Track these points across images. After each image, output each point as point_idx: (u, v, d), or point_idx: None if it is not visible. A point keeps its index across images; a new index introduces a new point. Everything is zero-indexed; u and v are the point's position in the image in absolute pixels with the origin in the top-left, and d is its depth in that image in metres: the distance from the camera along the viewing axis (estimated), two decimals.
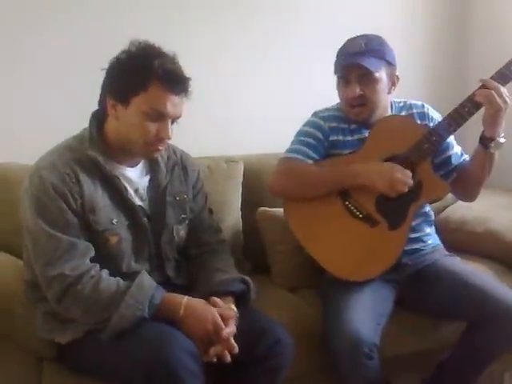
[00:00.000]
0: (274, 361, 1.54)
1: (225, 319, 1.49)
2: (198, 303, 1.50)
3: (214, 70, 2.38)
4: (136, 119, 1.48)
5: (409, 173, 1.77)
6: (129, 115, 1.49)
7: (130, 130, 1.50)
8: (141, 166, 1.62)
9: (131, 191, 1.58)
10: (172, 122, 1.52)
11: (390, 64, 1.84)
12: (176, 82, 1.48)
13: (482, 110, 1.75)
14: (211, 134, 2.40)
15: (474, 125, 1.83)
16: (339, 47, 1.86)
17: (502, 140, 1.77)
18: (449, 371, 1.84)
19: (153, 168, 1.64)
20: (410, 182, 1.76)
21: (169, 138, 1.52)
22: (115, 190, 1.54)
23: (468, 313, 1.75)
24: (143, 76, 1.46)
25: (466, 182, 1.92)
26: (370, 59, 1.79)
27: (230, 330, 1.48)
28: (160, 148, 1.55)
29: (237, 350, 1.47)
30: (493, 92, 1.69)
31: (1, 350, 1.60)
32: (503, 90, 1.70)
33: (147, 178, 1.63)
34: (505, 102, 1.70)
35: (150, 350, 1.35)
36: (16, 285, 1.63)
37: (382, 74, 1.82)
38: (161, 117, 1.49)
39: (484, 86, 1.72)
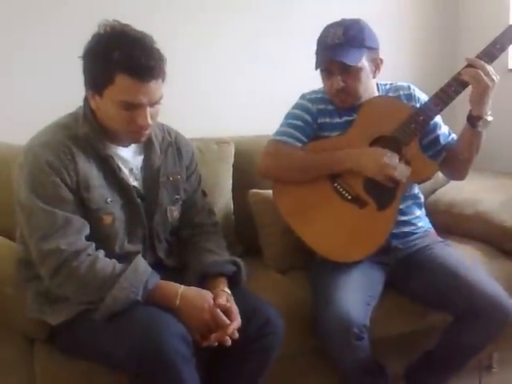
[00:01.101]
0: (264, 341, 1.55)
1: (229, 314, 1.49)
2: (193, 293, 1.50)
3: (206, 54, 2.37)
4: (112, 109, 1.46)
5: (396, 156, 1.78)
6: (105, 105, 1.47)
7: (110, 119, 1.49)
8: (134, 145, 1.61)
9: (125, 171, 1.57)
10: (152, 106, 1.47)
11: (372, 48, 1.82)
12: (142, 70, 1.40)
13: (469, 89, 1.75)
14: (202, 116, 2.39)
15: (463, 104, 1.83)
16: (320, 35, 1.84)
17: (489, 118, 1.77)
18: (433, 361, 1.85)
19: (147, 148, 1.62)
20: (397, 163, 1.76)
21: (148, 125, 1.48)
22: (109, 170, 1.54)
23: (455, 305, 1.76)
24: (106, 70, 1.41)
25: (455, 161, 1.92)
26: (350, 51, 1.77)
27: (235, 325, 1.48)
28: (144, 133, 1.52)
29: (237, 335, 1.48)
30: (479, 71, 1.69)
31: None
32: (489, 68, 1.70)
33: (141, 158, 1.62)
34: (491, 80, 1.70)
35: (141, 334, 1.35)
36: (6, 265, 1.63)
37: (363, 63, 1.80)
38: (135, 106, 1.45)
39: (470, 65, 1.72)
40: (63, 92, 2.05)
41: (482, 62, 1.70)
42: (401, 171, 1.77)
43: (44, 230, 1.44)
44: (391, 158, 1.77)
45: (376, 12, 2.58)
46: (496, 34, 1.73)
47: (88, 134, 1.50)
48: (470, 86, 1.74)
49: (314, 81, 1.90)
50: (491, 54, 1.72)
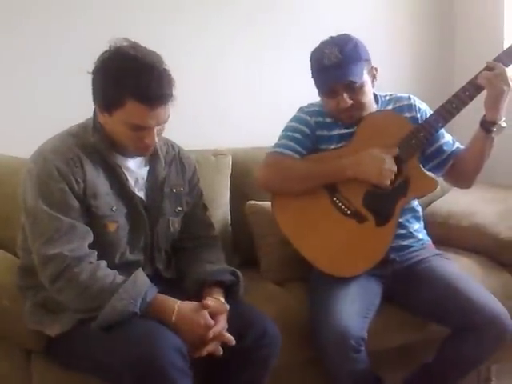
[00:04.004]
0: (261, 352, 1.55)
1: (214, 315, 1.50)
2: (189, 308, 1.50)
3: (202, 64, 2.38)
4: (120, 128, 1.49)
5: (391, 158, 1.78)
6: (114, 123, 1.50)
7: (118, 135, 1.52)
8: (141, 157, 1.63)
9: (131, 181, 1.59)
10: (159, 125, 1.51)
11: (367, 60, 1.82)
12: (152, 98, 1.43)
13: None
14: (199, 128, 2.39)
15: (463, 118, 1.85)
16: (312, 57, 1.82)
17: (503, 124, 1.76)
18: (431, 375, 1.85)
19: (152, 159, 1.65)
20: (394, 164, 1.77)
21: (154, 144, 1.53)
22: (116, 179, 1.56)
23: (453, 320, 1.75)
24: (116, 93, 1.44)
25: (464, 169, 1.91)
26: (352, 68, 1.76)
27: (219, 327, 1.49)
28: (150, 150, 1.56)
29: (233, 341, 1.49)
30: (496, 74, 1.68)
31: None
32: (507, 72, 1.69)
33: (146, 169, 1.64)
34: (507, 84, 1.69)
35: (137, 347, 1.35)
36: (3, 277, 1.63)
37: (365, 77, 1.80)
38: (143, 128, 1.48)
39: (488, 68, 1.71)
40: (68, 105, 2.09)
41: (501, 65, 1.69)
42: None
43: (48, 235, 1.45)
44: (390, 163, 1.77)
45: (371, 23, 2.63)
46: (493, 45, 1.74)
47: (97, 143, 1.53)
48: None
49: (311, 93, 1.90)
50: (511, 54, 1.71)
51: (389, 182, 1.78)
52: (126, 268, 1.51)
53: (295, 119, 1.94)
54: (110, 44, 1.47)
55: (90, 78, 1.49)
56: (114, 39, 1.47)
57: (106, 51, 1.47)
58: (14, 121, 2.14)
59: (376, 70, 1.86)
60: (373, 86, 1.88)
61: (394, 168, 1.79)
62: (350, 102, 1.79)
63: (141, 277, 1.50)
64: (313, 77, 1.83)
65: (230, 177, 2.24)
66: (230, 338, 1.49)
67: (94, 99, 1.51)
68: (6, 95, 2.14)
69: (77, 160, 1.50)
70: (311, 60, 1.84)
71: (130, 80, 1.42)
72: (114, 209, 1.54)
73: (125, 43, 1.47)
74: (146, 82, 1.42)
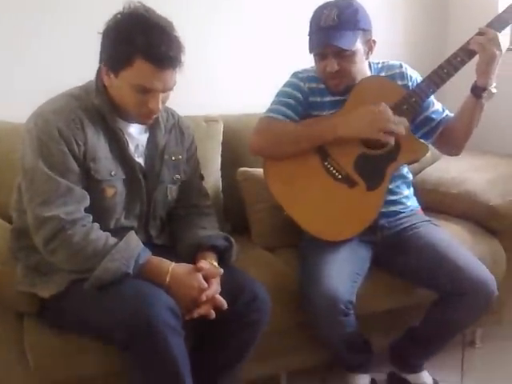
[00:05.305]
0: (252, 316, 1.57)
1: (207, 278, 1.51)
2: (183, 270, 1.52)
3: (196, 31, 2.34)
4: (125, 90, 1.48)
5: (388, 109, 1.76)
6: (119, 85, 1.48)
7: (122, 98, 1.51)
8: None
9: (132, 146, 1.59)
10: (165, 92, 1.50)
11: (366, 30, 1.80)
12: (161, 58, 1.43)
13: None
14: (190, 93, 2.36)
15: (453, 86, 1.84)
16: (312, 15, 1.81)
17: (493, 90, 1.76)
18: (417, 338, 1.89)
19: (153, 126, 1.64)
20: (391, 115, 1.75)
21: (158, 110, 1.51)
22: (117, 143, 1.55)
23: (441, 285, 1.78)
24: (126, 52, 1.43)
25: (453, 136, 1.92)
26: (344, 34, 1.74)
27: (212, 290, 1.50)
28: (153, 117, 1.55)
29: (225, 305, 1.50)
30: (488, 38, 1.68)
31: None
32: (499, 36, 1.69)
33: (146, 136, 1.64)
34: (499, 49, 1.69)
35: (131, 306, 1.37)
36: None
37: (358, 46, 1.78)
38: (149, 91, 1.47)
39: (480, 34, 1.71)
40: (65, 69, 2.07)
41: (493, 31, 1.69)
42: (399, 122, 1.76)
43: (45, 196, 1.45)
44: (384, 112, 1.75)
45: None
46: (485, 15, 1.74)
47: (100, 106, 1.52)
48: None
49: (305, 59, 1.88)
50: (504, 19, 1.71)
51: (383, 133, 1.75)
52: (120, 233, 1.52)
53: (288, 84, 1.93)
54: (124, 5, 1.46)
55: (90, 39, 1.48)
56: (129, 1, 1.46)
57: (118, 12, 1.47)
58: (6, 85, 2.11)
59: (374, 42, 1.84)
60: (366, 58, 1.86)
61: (390, 111, 1.75)
62: (336, 67, 1.78)
63: (134, 239, 1.51)
64: (308, 34, 1.82)
65: (222, 143, 2.24)
66: (223, 302, 1.50)
67: (101, 59, 1.50)
68: None
69: (78, 122, 1.49)
70: (311, 17, 1.82)
71: (141, 38, 1.41)
72: (112, 173, 1.54)
73: (139, 5, 1.47)
74: (156, 42, 1.42)
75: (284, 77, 1.96)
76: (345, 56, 1.78)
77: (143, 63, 1.43)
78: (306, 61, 1.90)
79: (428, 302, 1.86)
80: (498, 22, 1.71)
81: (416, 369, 1.95)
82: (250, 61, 2.52)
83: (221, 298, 1.51)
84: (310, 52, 1.82)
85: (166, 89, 1.49)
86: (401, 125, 1.76)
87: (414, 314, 1.94)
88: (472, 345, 2.29)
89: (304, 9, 1.84)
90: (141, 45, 1.41)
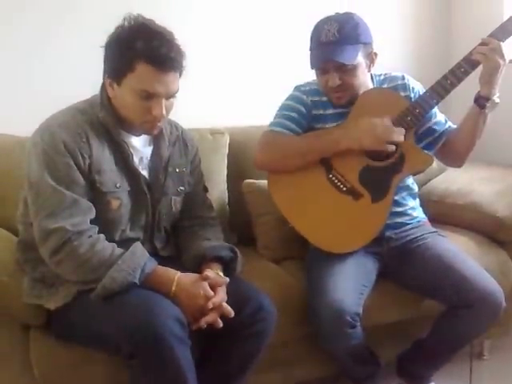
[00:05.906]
0: (257, 327, 1.56)
1: (213, 287, 1.52)
2: (189, 279, 1.52)
3: (201, 44, 2.37)
4: (129, 98, 1.50)
5: (388, 119, 1.77)
6: (123, 93, 1.51)
7: (126, 108, 1.52)
8: (145, 136, 1.64)
9: (136, 159, 1.60)
10: (168, 99, 1.52)
11: (366, 44, 1.80)
12: (162, 60, 1.45)
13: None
14: (196, 106, 2.39)
15: (458, 97, 1.84)
16: (313, 30, 1.82)
17: (497, 100, 1.76)
18: (425, 350, 1.88)
19: (157, 139, 1.65)
20: (392, 126, 1.76)
21: (162, 117, 1.52)
22: (121, 156, 1.57)
23: (447, 296, 1.77)
24: (127, 57, 1.45)
25: (456, 146, 1.91)
26: (345, 49, 1.75)
27: (219, 298, 1.50)
28: (157, 125, 1.56)
29: (232, 313, 1.50)
30: (491, 48, 1.68)
31: None
32: (502, 46, 1.69)
33: (150, 148, 1.65)
34: (503, 58, 1.69)
35: (137, 316, 1.37)
36: (1, 254, 1.64)
37: (359, 59, 1.78)
38: (152, 96, 1.48)
39: (483, 44, 1.71)
40: (66, 84, 2.09)
41: (496, 41, 1.69)
42: (399, 132, 1.77)
43: (51, 209, 1.46)
44: (385, 124, 1.77)
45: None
46: (489, 21, 1.74)
47: (104, 119, 1.54)
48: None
49: (308, 72, 1.89)
50: (507, 29, 1.71)
51: (385, 144, 1.77)
52: (126, 245, 1.52)
53: (291, 98, 1.94)
54: (124, 18, 1.49)
55: (93, 53, 1.50)
56: (128, 14, 1.49)
57: (119, 26, 1.50)
58: (10, 99, 2.13)
59: (375, 54, 1.85)
60: (368, 71, 1.87)
61: (390, 124, 1.77)
62: (338, 81, 1.79)
63: (139, 249, 1.52)
64: (309, 49, 1.83)
65: (227, 155, 2.24)
66: (230, 310, 1.50)
67: (105, 72, 1.52)
68: (2, 74, 2.13)
69: (83, 135, 1.51)
70: (312, 32, 1.83)
71: (142, 43, 1.44)
72: (117, 185, 1.55)
73: (139, 17, 1.50)
74: (157, 44, 1.45)
75: (288, 89, 1.97)
76: (346, 70, 1.78)
77: (145, 66, 1.45)
78: (312, 73, 1.91)
79: (435, 313, 1.85)
80: (502, 32, 1.71)
81: (424, 381, 1.93)
82: (255, 73, 2.53)
83: (228, 306, 1.51)
84: (312, 68, 1.83)
85: (169, 93, 1.51)
86: (400, 134, 1.77)
87: (421, 325, 1.93)
88: (480, 356, 2.27)
89: (309, 22, 1.85)
90: (142, 49, 1.44)
